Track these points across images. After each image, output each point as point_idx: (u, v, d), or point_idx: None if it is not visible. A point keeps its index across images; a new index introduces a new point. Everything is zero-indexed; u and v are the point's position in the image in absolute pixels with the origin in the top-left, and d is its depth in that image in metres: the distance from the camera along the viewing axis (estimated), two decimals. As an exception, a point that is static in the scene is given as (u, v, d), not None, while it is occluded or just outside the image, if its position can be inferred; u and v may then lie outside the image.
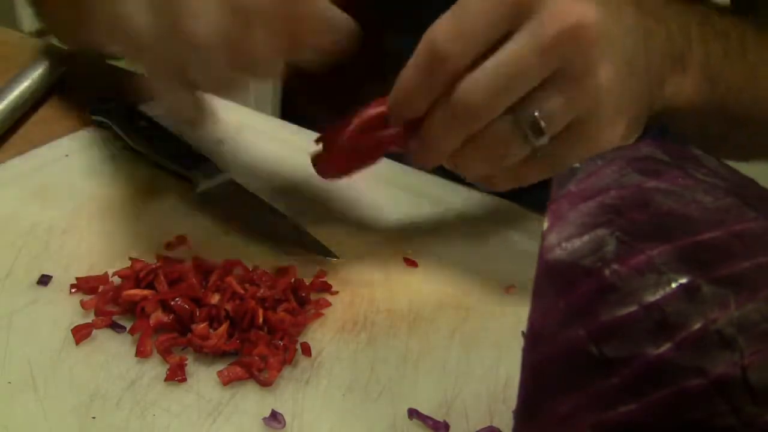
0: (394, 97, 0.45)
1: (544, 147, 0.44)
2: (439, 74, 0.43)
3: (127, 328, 0.44)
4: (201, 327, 0.43)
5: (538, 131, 0.43)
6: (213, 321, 0.44)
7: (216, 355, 0.43)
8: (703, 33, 0.52)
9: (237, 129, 0.64)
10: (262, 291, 0.45)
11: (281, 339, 0.43)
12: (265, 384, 0.41)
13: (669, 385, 0.28)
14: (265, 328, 0.44)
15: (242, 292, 0.45)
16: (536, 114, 0.43)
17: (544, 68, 0.42)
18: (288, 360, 0.43)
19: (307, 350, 0.44)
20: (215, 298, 0.45)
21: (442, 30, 0.43)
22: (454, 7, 0.43)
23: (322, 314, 0.46)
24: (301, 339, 0.45)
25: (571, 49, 0.42)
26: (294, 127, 0.66)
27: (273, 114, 0.73)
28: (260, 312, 0.44)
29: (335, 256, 0.50)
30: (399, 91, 0.45)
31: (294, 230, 0.52)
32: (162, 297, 0.44)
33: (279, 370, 0.42)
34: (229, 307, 0.44)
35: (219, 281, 0.46)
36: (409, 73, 0.44)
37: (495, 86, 0.42)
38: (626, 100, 0.45)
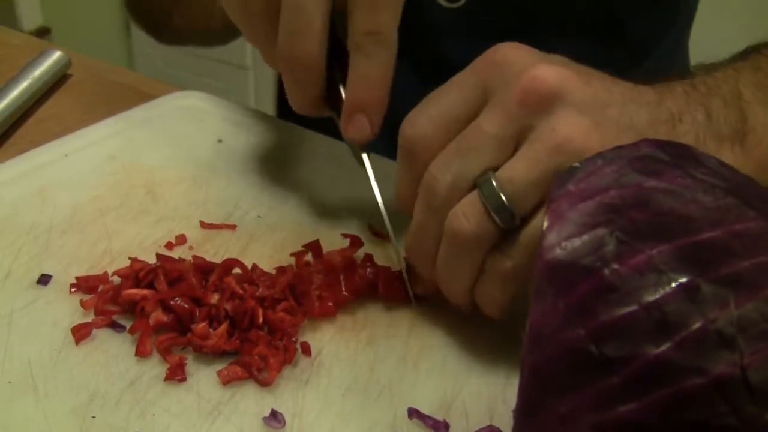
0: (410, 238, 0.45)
1: (513, 235, 0.41)
2: (418, 166, 0.43)
3: (127, 328, 0.44)
4: (201, 327, 0.43)
5: (500, 206, 0.40)
6: (213, 321, 0.44)
7: (216, 354, 0.43)
8: (762, 95, 0.47)
9: (236, 128, 0.64)
10: (260, 291, 0.45)
11: (281, 339, 0.43)
12: (265, 384, 0.41)
13: (669, 384, 0.28)
14: (265, 328, 0.44)
15: (241, 292, 0.45)
16: (494, 183, 0.40)
17: (502, 135, 0.40)
18: (288, 360, 0.43)
19: (306, 350, 0.44)
20: (215, 298, 0.45)
21: (417, 118, 0.43)
22: (424, 101, 0.44)
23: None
24: (301, 338, 0.45)
25: (531, 110, 0.40)
26: (293, 126, 0.66)
27: (273, 113, 0.73)
28: (260, 312, 0.44)
29: None
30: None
31: None
32: (162, 297, 0.44)
33: (279, 370, 0.42)
34: (228, 306, 0.44)
35: (218, 281, 0.46)
36: (399, 178, 0.45)
37: (453, 159, 0.41)
38: None
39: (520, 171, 0.40)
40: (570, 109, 0.40)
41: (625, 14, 0.75)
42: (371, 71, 0.47)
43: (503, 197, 0.40)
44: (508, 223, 0.40)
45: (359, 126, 0.48)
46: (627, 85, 0.43)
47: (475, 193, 0.41)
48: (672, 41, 0.82)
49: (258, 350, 0.42)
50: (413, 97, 0.45)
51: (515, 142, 0.40)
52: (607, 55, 0.73)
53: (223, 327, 0.43)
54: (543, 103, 0.40)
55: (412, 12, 0.67)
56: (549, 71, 0.40)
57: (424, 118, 0.43)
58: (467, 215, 0.41)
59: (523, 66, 0.41)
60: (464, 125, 0.42)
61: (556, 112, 0.40)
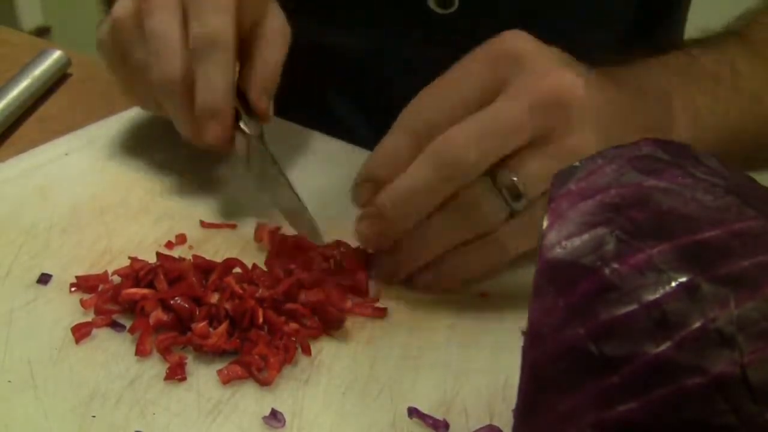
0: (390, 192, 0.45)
1: (519, 214, 0.45)
2: (425, 139, 0.44)
3: (127, 327, 0.44)
4: (201, 326, 0.43)
5: (516, 195, 0.44)
6: (213, 320, 0.44)
7: (216, 354, 0.43)
8: (687, 92, 0.51)
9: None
10: (260, 291, 0.45)
11: (281, 338, 0.43)
12: (265, 383, 0.41)
13: (669, 383, 0.28)
14: (266, 328, 0.44)
15: (241, 291, 0.45)
16: (514, 178, 0.44)
17: (527, 127, 0.43)
18: (288, 359, 0.43)
19: (306, 349, 0.44)
20: (215, 298, 0.45)
21: (426, 99, 0.45)
22: (434, 84, 0.46)
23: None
24: (301, 338, 0.45)
25: (555, 112, 0.43)
26: (291, 124, 0.65)
27: (271, 111, 0.72)
28: (260, 311, 0.44)
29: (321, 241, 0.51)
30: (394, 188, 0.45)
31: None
32: (162, 296, 0.44)
33: (279, 370, 0.42)
34: (228, 306, 0.44)
35: (218, 280, 0.46)
36: (390, 143, 0.46)
37: (480, 139, 0.43)
38: None
39: (536, 168, 0.44)
40: (585, 125, 0.44)
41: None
42: (210, 75, 0.48)
43: (520, 188, 0.44)
44: (518, 208, 0.44)
45: (213, 132, 0.50)
46: (630, 91, 0.47)
47: (489, 181, 0.44)
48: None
49: (258, 350, 0.42)
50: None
51: (531, 136, 0.43)
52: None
53: (223, 326, 0.43)
54: (565, 111, 0.43)
55: (406, 20, 0.67)
56: (575, 81, 0.44)
57: (436, 99, 0.45)
58: (483, 196, 0.44)
59: (544, 65, 0.44)
60: (474, 110, 0.44)
61: (573, 122, 0.44)
